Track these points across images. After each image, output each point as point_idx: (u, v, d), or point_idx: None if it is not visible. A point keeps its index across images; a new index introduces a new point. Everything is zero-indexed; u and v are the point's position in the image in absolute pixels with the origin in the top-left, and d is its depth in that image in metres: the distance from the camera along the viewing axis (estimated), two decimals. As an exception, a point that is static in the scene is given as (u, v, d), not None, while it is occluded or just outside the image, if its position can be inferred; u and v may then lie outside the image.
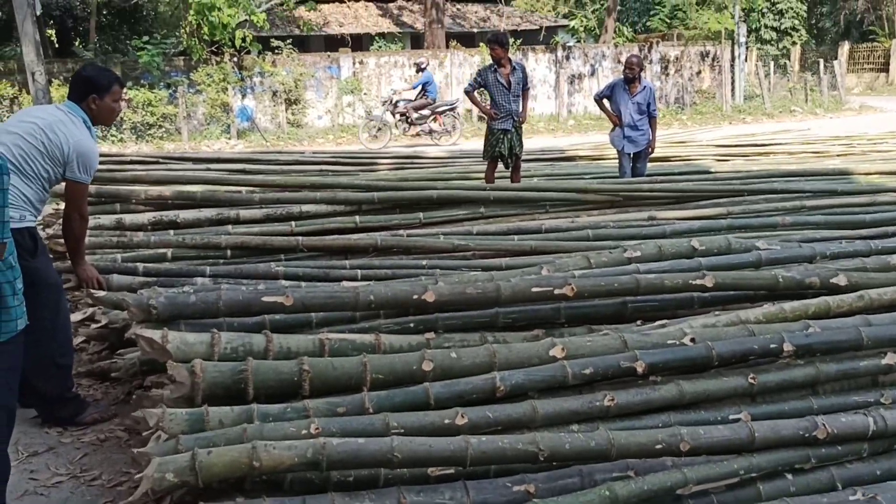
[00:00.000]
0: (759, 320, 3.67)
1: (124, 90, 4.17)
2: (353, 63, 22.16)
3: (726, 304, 4.12)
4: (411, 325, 3.72)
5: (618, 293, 3.85)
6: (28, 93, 16.81)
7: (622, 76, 8.59)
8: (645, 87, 8.54)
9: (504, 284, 3.67)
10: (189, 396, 2.97)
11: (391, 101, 18.37)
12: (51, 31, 26.48)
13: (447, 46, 23.71)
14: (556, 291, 3.68)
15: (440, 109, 18.31)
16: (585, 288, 3.74)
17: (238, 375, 3.00)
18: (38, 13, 14.73)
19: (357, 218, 6.42)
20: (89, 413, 3.99)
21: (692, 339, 3.36)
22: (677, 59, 24.66)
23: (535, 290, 3.69)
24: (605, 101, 8.75)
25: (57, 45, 27.31)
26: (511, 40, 8.86)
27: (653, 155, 8.88)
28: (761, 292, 4.07)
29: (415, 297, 3.58)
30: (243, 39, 19.59)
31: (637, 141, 8.49)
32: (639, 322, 3.94)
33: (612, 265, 4.26)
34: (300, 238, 5.51)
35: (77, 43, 27.00)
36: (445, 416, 2.89)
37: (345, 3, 28.20)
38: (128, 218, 6.04)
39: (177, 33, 26.47)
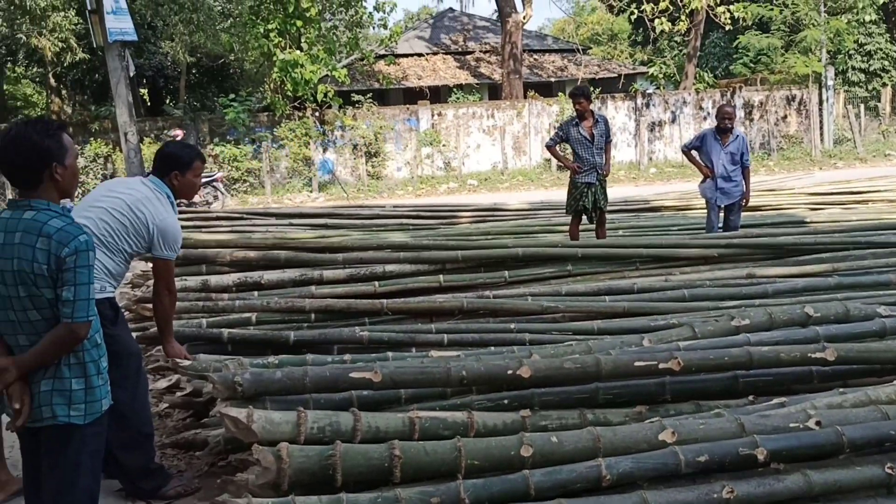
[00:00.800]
0: (891, 399, 3.32)
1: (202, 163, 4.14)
2: (432, 115, 22.35)
3: (848, 377, 3.78)
4: (505, 401, 3.50)
5: (728, 367, 3.56)
6: (121, 151, 17.44)
7: (714, 126, 8.30)
8: (737, 136, 8.22)
9: (604, 359, 3.43)
10: (275, 482, 2.82)
11: None
12: (143, 91, 27.67)
13: (525, 96, 23.72)
14: (661, 366, 3.42)
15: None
16: (693, 362, 3.46)
17: (326, 461, 2.83)
18: (131, 74, 15.32)
19: (441, 277, 6.27)
20: (173, 486, 3.89)
21: (818, 423, 3.05)
22: (762, 104, 24.06)
23: (638, 364, 3.43)
24: (694, 152, 8.45)
25: (149, 104, 28.51)
26: (590, 89, 8.68)
27: (745, 206, 8.51)
28: (889, 366, 3.71)
29: (509, 372, 3.37)
30: (325, 94, 20.00)
31: (730, 192, 8.14)
32: (751, 398, 3.63)
33: (718, 335, 3.96)
34: (384, 301, 5.37)
35: (168, 101, 28.13)
36: (547, 509, 2.65)
37: (423, 56, 28.62)
38: (213, 279, 6.03)
39: (261, 90, 27.32)
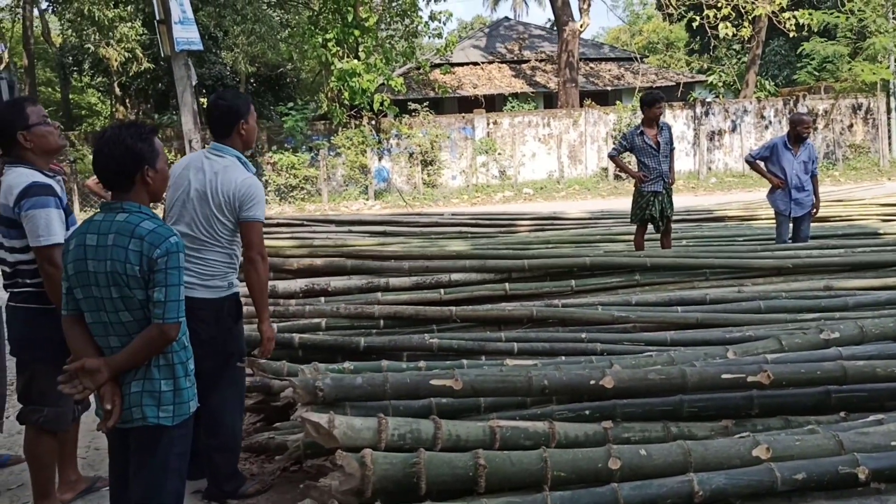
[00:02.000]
0: None
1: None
2: (487, 123, 22.32)
3: (946, 395, 3.60)
4: (586, 412, 3.41)
5: (820, 381, 3.42)
6: (183, 158, 17.77)
7: (784, 135, 8.09)
8: (808, 145, 8.00)
9: (690, 370, 3.33)
10: (358, 489, 2.79)
11: None
12: (203, 100, 28.21)
13: (581, 105, 23.55)
14: (750, 379, 3.30)
15: None
16: (783, 375, 3.34)
17: (410, 468, 2.79)
18: (194, 83, 15.62)
19: (507, 285, 6.20)
20: (251, 485, 3.93)
21: (921, 441, 2.90)
22: (826, 112, 23.49)
23: (725, 376, 3.32)
24: (761, 162, 8.24)
25: (208, 113, 29.00)
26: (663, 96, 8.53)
27: (815, 216, 8.28)
28: None
29: (592, 382, 3.29)
30: (381, 103, 20.12)
31: (803, 203, 7.92)
32: (843, 414, 3.48)
33: (807, 348, 3.82)
34: (453, 308, 5.33)
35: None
36: (638, 524, 2.57)
37: (479, 65, 28.64)
38: (281, 285, 6.06)
39: (317, 98, 27.64)
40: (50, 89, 33.84)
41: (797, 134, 7.95)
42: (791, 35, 22.06)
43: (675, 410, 3.43)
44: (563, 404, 3.48)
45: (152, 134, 2.74)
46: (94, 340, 2.70)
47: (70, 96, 32.22)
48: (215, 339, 3.66)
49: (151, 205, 2.79)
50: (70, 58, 28.26)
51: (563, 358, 4.44)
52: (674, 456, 2.89)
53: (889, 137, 23.44)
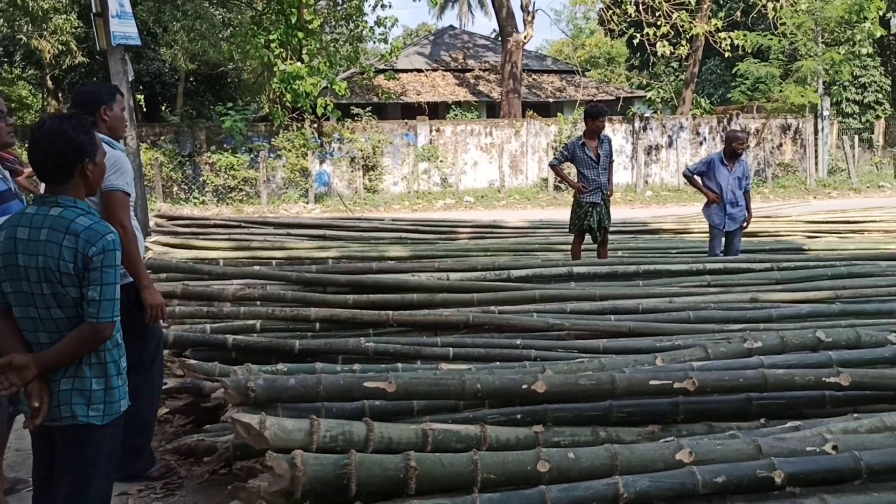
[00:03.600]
0: (906, 426, 3.30)
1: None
2: (430, 131, 22.40)
3: (860, 403, 3.76)
4: (518, 416, 3.46)
5: (742, 389, 3.54)
6: (118, 155, 17.32)
7: (720, 151, 8.35)
8: (742, 161, 8.27)
9: (619, 376, 3.41)
10: (287, 490, 2.77)
11: None
12: (140, 96, 27.59)
13: (523, 116, 23.81)
14: (676, 385, 3.40)
15: None
16: (707, 382, 3.44)
17: (341, 470, 2.79)
18: (130, 79, 15.26)
19: (445, 293, 6.22)
20: (157, 468, 4.07)
21: (834, 447, 3.03)
22: (758, 131, 24.22)
23: (653, 382, 3.41)
24: (698, 177, 8.47)
25: (145, 110, 28.43)
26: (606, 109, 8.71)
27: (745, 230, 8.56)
28: (902, 393, 3.70)
29: (524, 386, 3.34)
30: (324, 107, 20.01)
31: (736, 217, 8.18)
32: (762, 420, 3.61)
33: (731, 356, 3.95)
34: (390, 312, 5.33)
35: (164, 108, 28.08)
36: (564, 526, 2.62)
37: (423, 72, 28.72)
38: (216, 285, 5.98)
39: (259, 99, 27.33)
40: (-22, 80, 32.72)
41: (732, 150, 8.20)
42: (726, 55, 22.72)
43: (605, 415, 3.51)
44: (495, 408, 3.52)
45: (93, 127, 2.70)
46: (23, 336, 2.63)
47: (0, 88, 31.15)
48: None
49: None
50: (1, 49, 27.34)
51: (498, 363, 4.50)
52: (601, 459, 2.95)
53: (816, 158, 24.29)
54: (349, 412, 3.38)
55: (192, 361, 4.24)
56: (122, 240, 3.57)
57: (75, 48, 22.44)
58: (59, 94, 28.86)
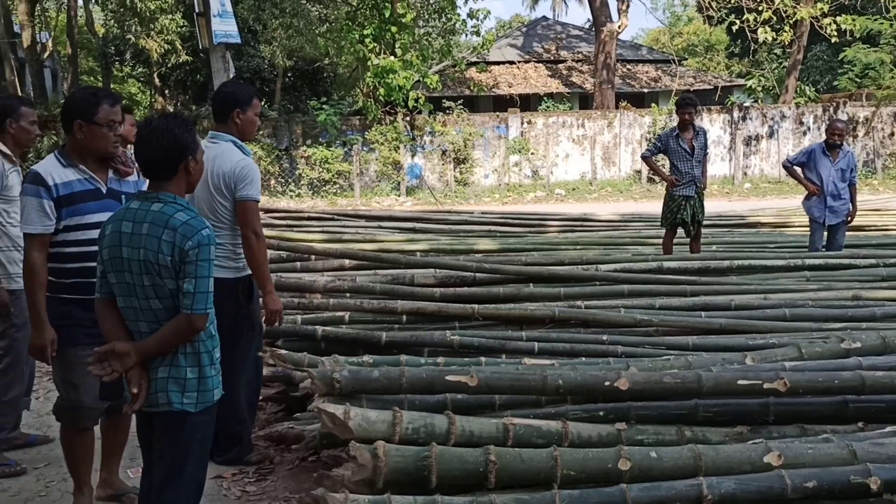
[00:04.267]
0: None
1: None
2: (522, 123, 22.30)
3: (968, 409, 3.55)
4: (601, 412, 3.43)
5: (838, 391, 3.40)
6: (219, 150, 17.97)
7: (822, 142, 8.01)
8: (847, 152, 7.91)
9: (706, 375, 3.33)
10: (370, 480, 2.84)
11: None
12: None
13: (617, 107, 23.41)
14: (766, 385, 3.29)
15: None
16: (800, 383, 3.33)
17: (421, 462, 2.83)
18: (231, 75, 15.79)
19: (531, 286, 6.21)
20: (255, 455, 4.23)
21: (937, 455, 2.88)
22: (867, 120, 23.10)
23: (741, 382, 3.31)
24: (798, 168, 8.16)
25: (245, 106, 29.29)
26: (697, 100, 8.49)
27: (850, 224, 8.19)
28: None
29: (606, 383, 3.31)
30: (416, 100, 20.18)
31: (839, 211, 7.84)
32: (860, 424, 3.46)
33: (827, 357, 3.80)
34: (475, 306, 5.36)
35: (263, 103, 28.91)
36: (645, 525, 2.59)
37: (515, 64, 28.60)
38: (307, 277, 6.14)
39: (353, 94, 27.80)
40: (92, 78, 34.42)
41: (830, 140, 7.87)
42: (833, 41, 21.74)
43: (690, 414, 3.43)
44: (577, 404, 3.50)
45: (194, 125, 2.83)
46: (125, 324, 2.77)
47: (112, 86, 32.73)
48: (229, 318, 3.81)
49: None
50: (112, 48, 28.73)
51: (584, 359, 4.46)
52: (684, 459, 2.90)
53: (931, 147, 23.01)
54: (432, 405, 3.42)
55: (283, 352, 4.38)
56: (254, 245, 3.98)
57: (180, 47, 23.36)
58: (166, 91, 30.10)
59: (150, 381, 2.73)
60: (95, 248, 2.85)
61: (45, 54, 28.08)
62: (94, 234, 2.98)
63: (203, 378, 2.76)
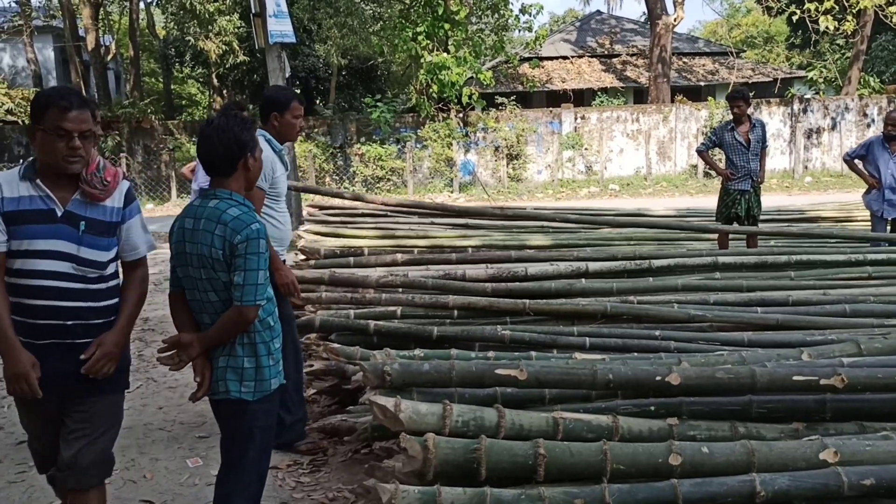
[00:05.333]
0: None
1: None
2: (575, 118, 22.15)
3: None
4: (651, 408, 3.40)
5: (898, 388, 3.31)
6: (274, 148, 18.28)
7: (881, 133, 7.79)
8: (909, 144, 7.68)
9: (760, 371, 3.28)
10: (420, 471, 2.87)
11: None
12: (297, 91, 28.86)
13: (672, 101, 23.08)
14: (823, 382, 3.23)
15: None
16: (858, 380, 3.25)
17: (471, 454, 2.86)
18: (287, 75, 16.05)
19: (583, 281, 6.19)
20: (305, 443, 4.38)
21: None
22: (934, 110, 22.34)
23: (796, 378, 3.25)
24: (858, 161, 7.96)
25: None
26: (748, 92, 8.35)
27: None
28: None
29: (658, 378, 3.28)
30: (469, 96, 20.20)
31: (900, 204, 7.62)
32: (922, 422, 3.37)
33: (887, 353, 3.71)
34: (527, 301, 5.35)
35: (318, 101, 29.25)
36: (696, 521, 2.57)
37: (568, 59, 28.40)
38: (360, 272, 6.22)
39: (407, 91, 27.94)
40: (153, 80, 35.28)
41: (888, 132, 7.66)
42: (899, 29, 21.08)
43: (744, 411, 3.38)
44: (628, 399, 3.48)
45: (254, 125, 2.96)
46: (193, 317, 2.92)
47: (172, 86, 33.49)
48: None
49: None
50: (172, 49, 29.37)
51: (637, 354, 4.43)
52: (737, 455, 2.87)
53: None
54: (481, 398, 3.44)
55: (336, 345, 4.45)
56: None
57: (237, 47, 23.77)
58: (224, 91, 30.65)
59: (213, 370, 2.86)
60: (50, 282, 2.72)
61: (109, 57, 28.83)
62: (45, 264, 2.73)
63: (260, 368, 2.87)
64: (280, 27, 13.06)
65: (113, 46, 29.40)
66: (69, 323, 2.78)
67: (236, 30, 23.28)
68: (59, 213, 2.78)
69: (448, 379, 3.31)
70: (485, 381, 3.34)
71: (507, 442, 2.95)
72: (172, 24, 24.66)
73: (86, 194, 2.81)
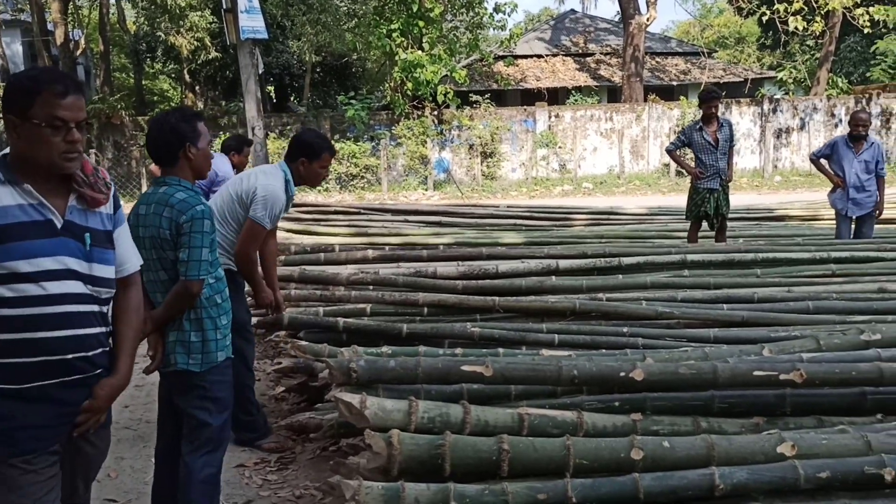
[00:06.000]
0: None
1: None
2: (549, 116, 22.23)
3: None
4: (616, 403, 3.44)
5: (856, 382, 3.38)
6: (247, 145, 18.19)
7: (846, 134, 7.92)
8: (872, 143, 7.82)
9: (722, 366, 3.33)
10: (385, 468, 2.88)
11: None
12: (270, 88, 28.70)
13: (645, 100, 23.24)
14: (783, 377, 3.29)
15: None
16: (817, 375, 3.31)
17: (435, 450, 2.88)
18: (260, 72, 15.98)
19: (553, 278, 6.23)
20: (269, 441, 4.38)
21: (954, 446, 2.86)
22: (900, 112, 22.71)
23: (757, 373, 3.31)
24: (823, 161, 8.08)
25: (275, 101, 29.56)
26: (720, 92, 8.45)
27: (879, 218, 8.09)
28: None
29: (622, 374, 3.33)
30: (444, 94, 20.21)
31: (863, 203, 7.75)
32: (879, 416, 3.44)
33: (846, 348, 3.78)
34: (496, 298, 5.38)
35: (292, 98, 29.13)
36: (656, 514, 2.61)
37: (542, 58, 28.50)
38: (330, 270, 6.21)
39: (381, 88, 27.90)
40: (124, 75, 34.90)
41: (853, 132, 7.79)
42: (866, 31, 21.38)
43: (706, 406, 3.44)
44: (593, 395, 3.52)
45: (195, 118, 3.12)
46: (148, 296, 3.07)
47: (143, 82, 33.15)
48: None
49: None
50: (143, 45, 29.07)
51: (604, 351, 4.47)
52: (697, 449, 2.92)
53: (968, 139, 22.54)
54: (448, 395, 3.46)
55: (304, 343, 4.45)
56: (243, 266, 4.11)
57: (209, 43, 23.60)
58: (196, 87, 30.40)
59: (165, 344, 3.06)
60: (69, 307, 2.23)
61: (78, 51, 28.47)
62: (57, 286, 2.21)
63: (206, 341, 3.07)
64: (252, 23, 13.00)
65: (82, 41, 29.02)
66: (90, 354, 2.31)
67: (208, 25, 23.10)
68: (60, 225, 2.24)
69: (414, 375, 3.33)
70: (451, 377, 3.36)
71: (471, 438, 2.97)
72: (143, 18, 24.41)
73: (84, 199, 2.30)
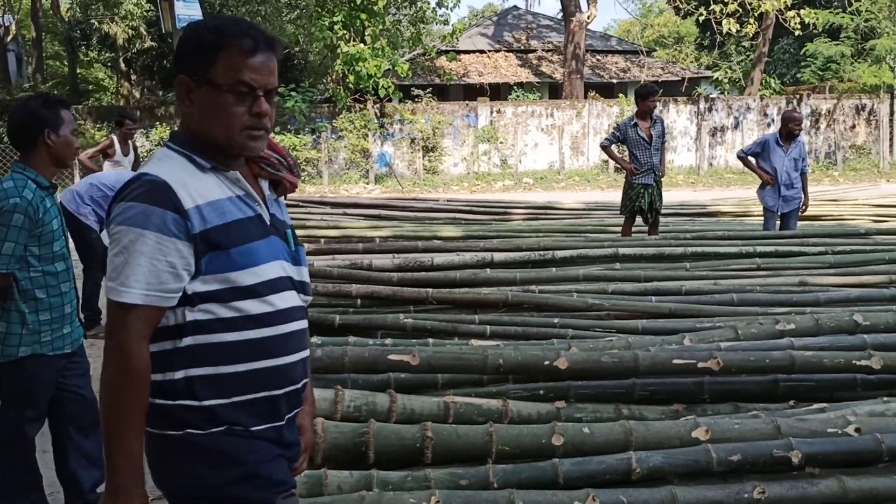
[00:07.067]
0: (937, 411, 3.25)
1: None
2: (491, 112, 22.35)
3: (894, 388, 3.69)
4: (541, 391, 3.52)
5: (769, 370, 3.52)
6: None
7: (777, 132, 8.17)
8: (798, 142, 8.08)
9: (643, 354, 3.43)
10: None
11: None
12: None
13: (586, 97, 23.54)
14: (700, 365, 3.40)
15: None
16: (733, 363, 3.43)
17: (359, 438, 2.90)
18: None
19: (488, 271, 6.30)
20: None
21: (857, 429, 3.00)
22: (829, 112, 23.46)
23: (676, 362, 3.42)
24: (752, 158, 8.32)
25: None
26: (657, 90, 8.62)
27: (805, 213, 8.38)
28: (937, 378, 3.63)
29: (546, 363, 3.40)
30: (386, 88, 20.15)
31: (791, 200, 8.02)
32: (791, 403, 3.58)
33: (762, 338, 3.91)
34: (430, 290, 5.42)
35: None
36: (575, 498, 2.68)
37: (485, 53, 28.62)
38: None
39: (323, 81, 27.68)
40: (58, 63, 33.86)
41: (788, 131, 8.02)
42: (797, 34, 22.03)
43: (628, 393, 3.54)
44: (519, 384, 3.59)
45: (59, 104, 3.06)
46: None
47: (77, 71, 32.25)
48: None
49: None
50: (78, 32, 28.26)
51: (534, 342, 4.54)
52: (616, 434, 3.00)
53: (891, 139, 23.39)
54: (376, 384, 3.49)
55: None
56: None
57: (145, 32, 23.10)
58: (132, 76, 29.72)
59: None
60: (296, 324, 1.79)
61: (9, 38, 27.57)
62: (281, 299, 1.74)
63: (9, 334, 2.98)
64: (188, 11, 12.77)
65: (13, 27, 28.09)
66: (305, 381, 1.89)
67: (144, 13, 22.61)
68: (268, 219, 1.79)
69: (341, 365, 3.35)
70: (378, 366, 3.39)
71: (395, 426, 3.01)
72: (77, 5, 23.76)
73: (278, 187, 1.86)
